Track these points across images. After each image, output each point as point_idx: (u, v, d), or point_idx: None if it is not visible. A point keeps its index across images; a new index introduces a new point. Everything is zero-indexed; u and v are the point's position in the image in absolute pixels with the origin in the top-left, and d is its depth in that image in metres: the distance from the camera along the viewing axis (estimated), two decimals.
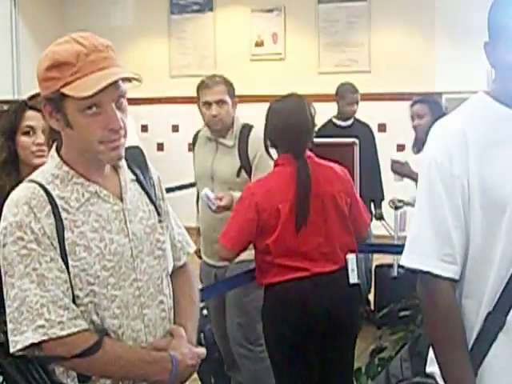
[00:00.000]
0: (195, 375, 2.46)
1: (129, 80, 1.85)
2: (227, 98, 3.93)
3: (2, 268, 1.84)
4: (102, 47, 1.83)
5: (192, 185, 4.39)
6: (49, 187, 1.86)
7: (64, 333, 1.80)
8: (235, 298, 3.96)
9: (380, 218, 6.06)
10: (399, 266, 5.51)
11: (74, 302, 1.84)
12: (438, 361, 1.93)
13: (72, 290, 1.84)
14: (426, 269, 1.90)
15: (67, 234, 1.84)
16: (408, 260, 1.95)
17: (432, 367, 1.99)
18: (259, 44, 9.23)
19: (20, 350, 1.80)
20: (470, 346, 1.90)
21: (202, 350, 2.03)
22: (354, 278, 3.33)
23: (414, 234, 1.96)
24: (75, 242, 1.84)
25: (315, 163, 3.34)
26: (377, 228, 5.80)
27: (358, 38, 8.76)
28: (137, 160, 2.09)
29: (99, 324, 1.87)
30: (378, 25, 8.64)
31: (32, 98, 2.70)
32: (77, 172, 1.90)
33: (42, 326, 1.79)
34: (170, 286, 2.07)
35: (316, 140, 3.47)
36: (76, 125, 1.83)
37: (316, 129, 3.46)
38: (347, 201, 3.35)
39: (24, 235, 1.80)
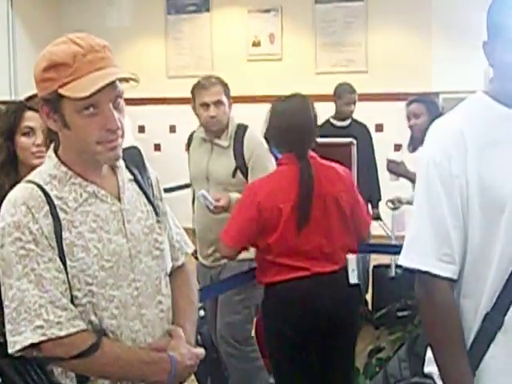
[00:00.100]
0: (192, 376, 2.45)
1: (126, 80, 1.85)
2: (224, 99, 3.94)
3: (0, 268, 1.83)
4: (98, 47, 1.83)
5: (187, 186, 4.39)
6: (47, 187, 1.86)
7: (62, 333, 1.79)
8: (227, 297, 3.96)
9: (377, 218, 6.06)
10: (397, 267, 5.52)
11: (72, 302, 1.84)
12: (436, 361, 1.93)
13: (70, 290, 1.83)
14: (424, 268, 1.90)
15: (65, 235, 1.84)
16: (406, 260, 1.95)
17: (430, 367, 1.99)
18: (256, 44, 9.22)
19: (18, 350, 1.80)
20: (468, 347, 1.90)
21: (201, 351, 2.03)
22: (354, 278, 3.34)
23: (412, 233, 1.96)
24: (73, 243, 1.84)
25: (318, 163, 3.35)
26: (374, 228, 5.78)
27: (355, 38, 8.76)
28: (135, 160, 2.08)
29: (97, 324, 1.87)
30: (375, 25, 8.64)
31: (29, 98, 2.70)
32: (74, 172, 1.90)
33: (41, 327, 1.78)
34: (169, 286, 2.07)
35: None
36: (73, 125, 1.83)
37: None
38: (349, 201, 3.37)
39: (22, 236, 1.80)
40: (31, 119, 2.70)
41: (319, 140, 3.50)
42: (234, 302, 3.94)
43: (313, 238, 3.27)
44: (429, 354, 1.99)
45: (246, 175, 3.90)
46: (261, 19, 9.16)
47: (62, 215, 1.84)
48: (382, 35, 8.63)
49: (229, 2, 9.28)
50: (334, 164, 3.45)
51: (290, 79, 8.40)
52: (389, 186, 5.51)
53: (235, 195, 3.72)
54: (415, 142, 4.73)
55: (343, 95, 6.07)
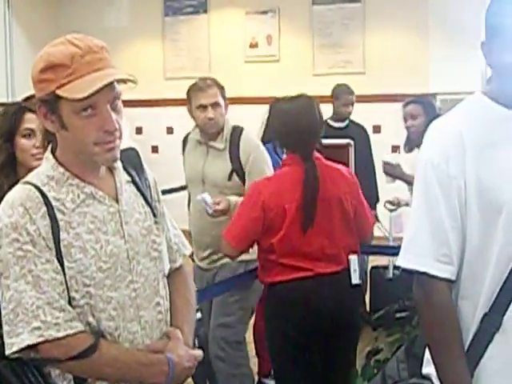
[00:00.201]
0: (189, 379, 2.45)
1: (124, 82, 1.85)
2: (221, 101, 3.92)
3: None
4: (96, 48, 1.83)
5: (184, 188, 4.37)
6: (44, 189, 1.86)
7: (60, 334, 1.79)
8: (221, 298, 3.94)
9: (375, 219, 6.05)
10: (395, 268, 5.52)
11: (69, 303, 1.83)
12: (434, 362, 1.93)
13: (68, 291, 1.83)
14: (422, 269, 1.90)
15: (63, 236, 1.83)
16: (404, 261, 1.95)
17: (428, 368, 1.99)
18: (253, 46, 9.22)
19: (16, 352, 1.79)
20: (466, 347, 1.90)
21: (199, 352, 2.03)
22: (355, 279, 3.34)
23: (410, 234, 1.96)
24: (71, 244, 1.84)
25: (323, 165, 3.35)
26: None
27: (352, 39, 8.76)
28: (132, 161, 2.08)
29: (95, 326, 1.87)
30: (372, 26, 8.64)
31: (27, 99, 2.70)
32: (72, 173, 1.89)
33: (38, 328, 1.78)
34: (167, 287, 2.07)
35: None
36: (71, 126, 1.83)
37: None
38: (353, 203, 3.38)
39: (19, 237, 1.80)
40: (31, 121, 2.70)
41: None
42: (229, 304, 3.92)
43: (316, 239, 3.27)
44: (427, 354, 1.99)
45: (242, 178, 3.88)
46: (258, 21, 9.16)
47: (59, 216, 1.84)
48: (380, 36, 8.64)
49: (226, 4, 9.28)
50: (338, 166, 3.46)
51: (287, 81, 8.40)
52: (386, 188, 5.51)
53: (234, 198, 3.72)
54: (411, 143, 4.73)
55: (341, 96, 6.07)
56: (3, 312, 1.81)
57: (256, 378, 4.58)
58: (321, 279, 3.26)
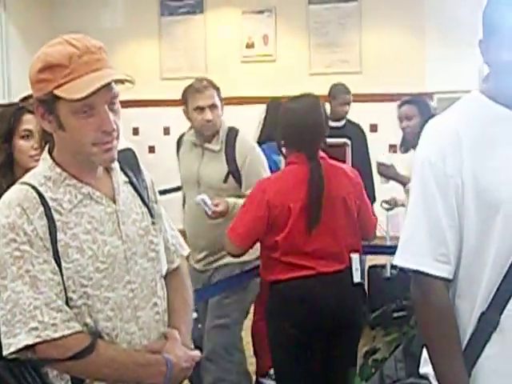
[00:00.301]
0: (186, 380, 2.44)
1: (121, 82, 1.84)
2: (218, 102, 3.89)
3: None
4: (94, 49, 1.83)
5: (180, 188, 4.36)
6: (41, 189, 1.85)
7: (57, 335, 1.79)
8: (217, 299, 3.91)
9: None
10: (392, 267, 5.52)
11: (67, 304, 1.83)
12: (431, 361, 1.93)
13: (65, 292, 1.83)
14: (420, 268, 1.90)
15: (60, 236, 1.83)
16: (402, 260, 1.95)
17: (426, 368, 1.99)
18: (250, 46, 9.21)
19: (13, 352, 1.79)
20: (463, 347, 1.90)
21: (197, 353, 2.04)
22: (357, 277, 3.35)
23: (407, 234, 1.96)
24: (68, 244, 1.84)
25: (328, 164, 3.36)
26: None
27: (348, 38, 8.77)
28: (129, 162, 2.08)
29: (93, 326, 1.86)
30: (368, 25, 8.65)
31: (24, 99, 2.70)
32: (69, 174, 1.89)
33: (36, 329, 1.78)
34: (164, 288, 2.06)
35: None
36: (69, 127, 1.83)
37: None
38: (357, 202, 3.39)
39: (17, 237, 1.80)
40: (30, 122, 2.70)
41: None
42: (225, 305, 3.90)
43: (320, 238, 3.27)
44: (424, 354, 1.99)
45: (238, 180, 3.86)
46: (255, 20, 9.15)
47: (56, 216, 1.84)
48: (376, 36, 8.64)
49: (222, 4, 9.27)
50: (343, 165, 3.49)
51: (283, 80, 8.41)
52: (383, 187, 5.50)
53: (233, 200, 3.71)
54: (407, 144, 4.73)
55: (338, 96, 6.07)
56: (0, 313, 1.81)
57: (254, 377, 4.58)
58: (323, 278, 3.27)
